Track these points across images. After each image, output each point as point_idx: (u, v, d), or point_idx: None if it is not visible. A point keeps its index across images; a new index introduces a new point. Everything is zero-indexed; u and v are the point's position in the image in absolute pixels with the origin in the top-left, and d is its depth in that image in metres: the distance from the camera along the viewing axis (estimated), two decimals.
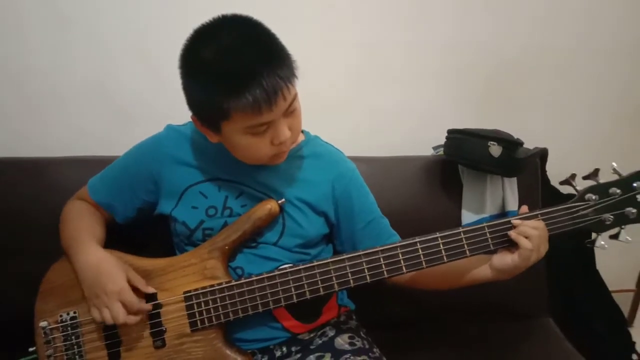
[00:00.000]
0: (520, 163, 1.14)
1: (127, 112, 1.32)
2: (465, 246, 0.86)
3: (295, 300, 0.87)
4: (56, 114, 1.30)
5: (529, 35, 1.38)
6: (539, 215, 0.87)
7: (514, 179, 1.24)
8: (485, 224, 0.86)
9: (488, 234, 0.86)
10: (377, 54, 1.36)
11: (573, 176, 0.90)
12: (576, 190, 0.90)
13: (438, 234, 0.86)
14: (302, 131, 0.98)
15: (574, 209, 0.87)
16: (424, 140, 1.37)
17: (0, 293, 1.11)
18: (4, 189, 1.14)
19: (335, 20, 1.32)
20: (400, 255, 0.86)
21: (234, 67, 0.75)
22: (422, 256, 0.86)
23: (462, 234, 0.86)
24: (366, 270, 0.86)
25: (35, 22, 1.24)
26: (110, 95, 1.31)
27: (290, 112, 0.82)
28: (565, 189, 1.32)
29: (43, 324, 0.90)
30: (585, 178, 0.90)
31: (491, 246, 0.86)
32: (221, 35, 0.77)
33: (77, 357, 0.89)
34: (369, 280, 0.87)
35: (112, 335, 0.89)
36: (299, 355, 0.92)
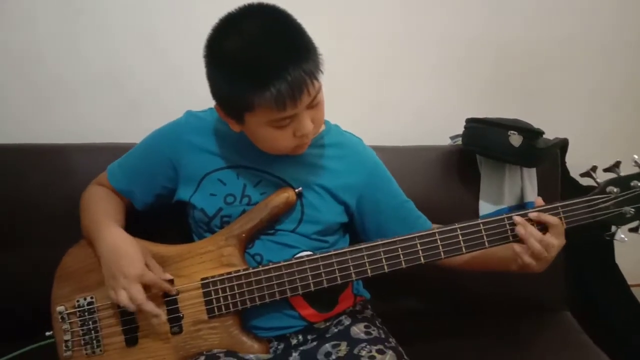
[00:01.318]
0: (541, 153, 1.12)
1: (136, 101, 1.31)
2: (485, 237, 0.85)
3: (312, 288, 0.87)
4: (65, 102, 1.29)
5: (551, 30, 1.37)
6: (559, 208, 0.86)
7: (533, 170, 1.22)
8: (505, 215, 0.86)
9: (507, 225, 0.86)
10: (395, 47, 1.35)
11: (594, 168, 0.89)
12: (597, 182, 0.89)
13: (457, 225, 0.86)
14: None
15: (595, 202, 0.87)
16: (441, 130, 1.36)
17: (10, 280, 1.12)
18: (14, 176, 1.13)
19: (355, 12, 1.31)
20: (419, 246, 0.86)
21: (259, 61, 0.75)
22: (440, 247, 0.86)
23: (481, 225, 0.86)
24: (384, 260, 0.86)
25: (45, 12, 1.23)
26: (119, 84, 1.30)
27: (314, 105, 0.81)
28: (585, 181, 1.32)
29: (60, 308, 0.90)
30: (606, 170, 0.89)
31: (510, 237, 0.86)
32: (246, 26, 0.76)
33: (94, 341, 0.89)
34: (386, 270, 0.86)
35: (129, 320, 0.89)
36: (314, 344, 0.93)
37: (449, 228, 0.86)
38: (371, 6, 1.32)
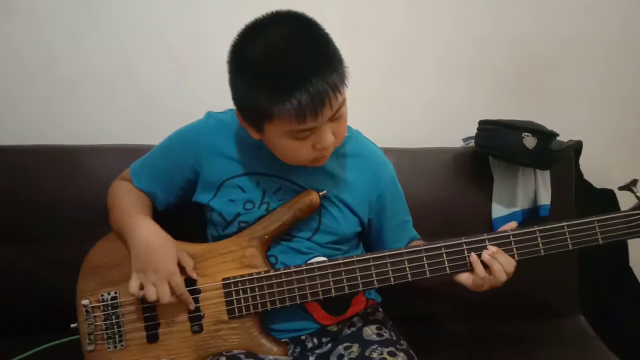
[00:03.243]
0: (555, 155, 1.11)
1: (146, 103, 1.31)
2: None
3: (333, 294, 0.86)
4: (75, 104, 1.30)
5: (564, 29, 1.34)
6: (595, 222, 0.83)
7: (547, 172, 1.20)
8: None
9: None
10: (407, 47, 1.33)
11: (634, 182, 0.85)
12: (637, 196, 0.85)
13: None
14: None
15: (634, 217, 0.83)
16: (453, 132, 1.34)
17: (25, 277, 1.14)
18: (26, 177, 1.15)
19: (365, 12, 1.29)
20: (445, 256, 0.84)
21: (282, 71, 0.73)
22: (467, 257, 0.84)
23: (511, 237, 0.84)
24: (408, 269, 0.85)
25: (54, 14, 1.24)
26: (129, 85, 1.30)
27: (337, 117, 0.79)
28: (599, 183, 1.31)
29: (85, 302, 0.91)
30: None
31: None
32: (272, 34, 0.75)
33: (116, 336, 0.90)
34: (410, 279, 0.85)
35: (151, 317, 0.90)
36: (329, 346, 0.93)
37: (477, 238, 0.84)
38: (379, 6, 1.30)
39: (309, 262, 0.89)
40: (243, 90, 0.78)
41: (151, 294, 0.84)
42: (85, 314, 0.91)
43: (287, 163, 0.87)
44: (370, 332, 0.92)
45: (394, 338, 0.92)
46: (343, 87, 0.76)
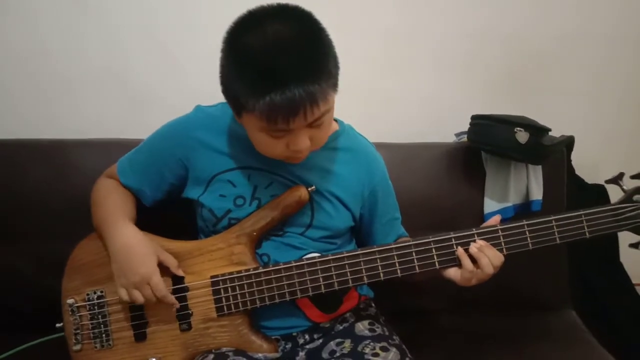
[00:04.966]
0: (547, 150, 1.11)
1: (138, 97, 1.31)
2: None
3: (323, 290, 0.86)
4: (66, 98, 1.29)
5: (559, 25, 1.35)
6: (583, 216, 0.83)
7: (539, 167, 1.21)
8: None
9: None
10: (400, 42, 1.33)
11: (621, 175, 0.86)
12: (623, 190, 0.85)
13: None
14: (336, 120, 0.95)
15: (621, 210, 0.83)
16: (446, 127, 1.34)
17: (14, 274, 1.13)
18: (16, 172, 1.13)
19: (358, 6, 1.29)
20: (434, 251, 0.84)
21: (267, 67, 0.71)
22: (455, 251, 0.84)
23: (499, 231, 0.84)
24: (397, 264, 0.85)
25: (48, 8, 1.23)
26: (120, 79, 1.29)
27: (316, 125, 0.77)
28: (591, 179, 1.33)
29: (70, 301, 0.90)
30: (633, 177, 0.86)
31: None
32: (270, 28, 0.72)
33: (103, 335, 0.89)
34: (400, 275, 0.85)
35: (138, 315, 0.89)
36: (320, 342, 0.93)
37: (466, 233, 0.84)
38: (374, 0, 1.30)
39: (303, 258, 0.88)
40: (228, 75, 0.76)
41: (137, 297, 0.83)
42: (70, 313, 0.89)
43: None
44: (362, 327, 0.92)
45: (387, 333, 0.92)
46: (324, 100, 0.73)
